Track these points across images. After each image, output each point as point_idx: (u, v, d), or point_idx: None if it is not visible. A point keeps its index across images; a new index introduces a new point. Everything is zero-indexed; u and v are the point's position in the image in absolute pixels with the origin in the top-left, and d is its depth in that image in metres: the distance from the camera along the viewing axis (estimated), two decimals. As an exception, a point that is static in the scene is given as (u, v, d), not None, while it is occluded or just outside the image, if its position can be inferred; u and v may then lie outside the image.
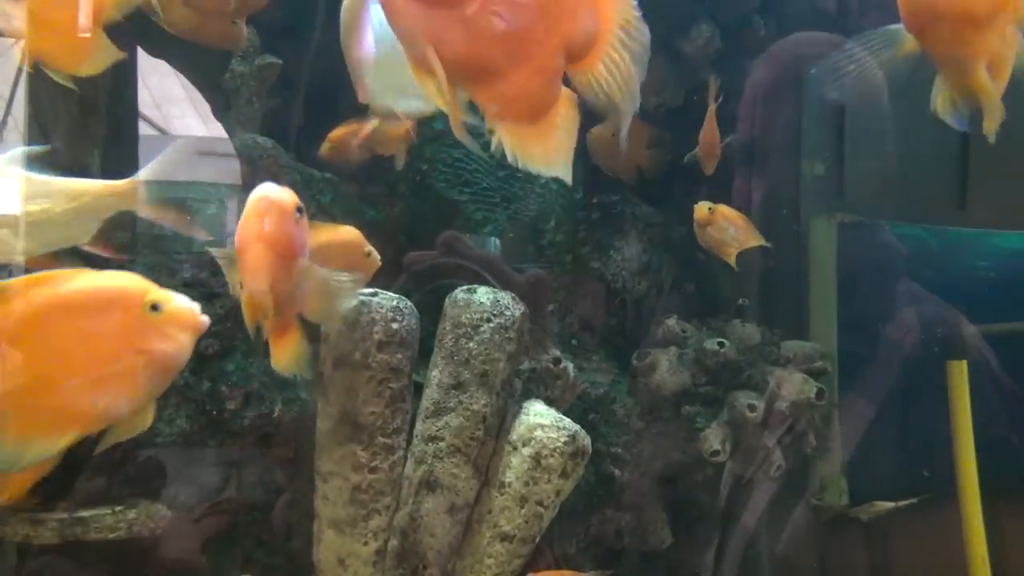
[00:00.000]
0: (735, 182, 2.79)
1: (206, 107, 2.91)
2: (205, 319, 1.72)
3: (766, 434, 2.52)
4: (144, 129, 3.05)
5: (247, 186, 2.70)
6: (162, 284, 2.42)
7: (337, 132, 2.52)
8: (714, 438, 2.52)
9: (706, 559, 2.64)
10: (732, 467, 2.55)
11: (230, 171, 2.83)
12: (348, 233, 2.03)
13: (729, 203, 2.73)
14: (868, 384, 2.80)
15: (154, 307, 1.65)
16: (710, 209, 2.62)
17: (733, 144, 2.77)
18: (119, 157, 2.60)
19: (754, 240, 2.65)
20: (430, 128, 2.76)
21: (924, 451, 2.82)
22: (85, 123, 2.43)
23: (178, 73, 3.02)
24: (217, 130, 2.81)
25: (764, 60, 2.75)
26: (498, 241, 2.79)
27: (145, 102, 3.01)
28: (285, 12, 2.21)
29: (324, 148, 2.54)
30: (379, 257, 2.08)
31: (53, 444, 1.59)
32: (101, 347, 1.59)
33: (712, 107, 2.68)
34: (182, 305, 1.70)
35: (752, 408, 2.52)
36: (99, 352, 1.59)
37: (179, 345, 1.68)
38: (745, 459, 2.54)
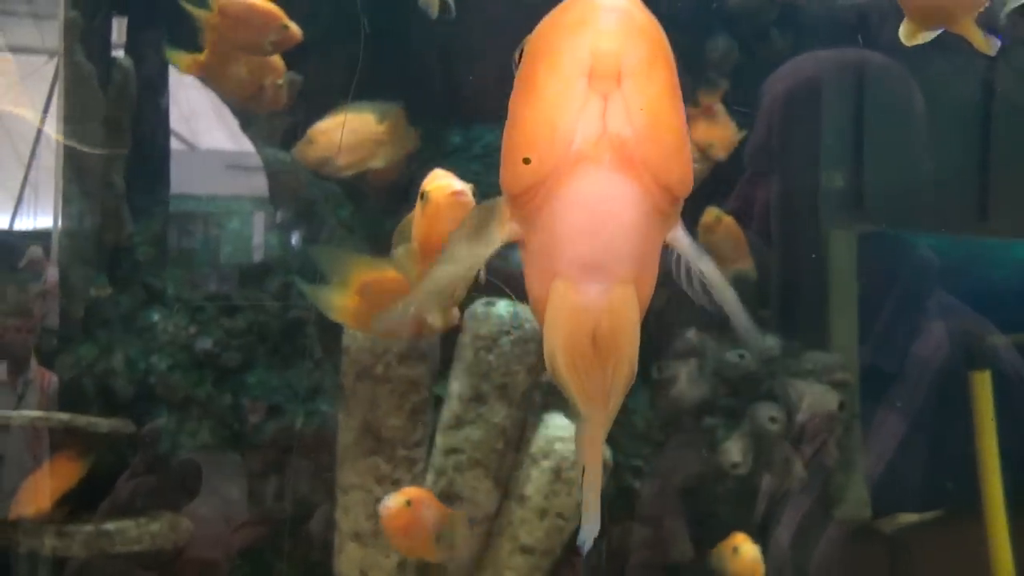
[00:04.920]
0: (752, 191, 2.78)
1: (234, 121, 2.95)
2: None
3: (787, 446, 2.51)
4: (172, 143, 3.09)
5: (271, 199, 2.74)
6: (185, 297, 2.48)
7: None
8: (735, 450, 2.51)
9: None
10: (767, 482, 2.54)
11: (253, 184, 2.87)
12: None
13: (747, 213, 2.73)
14: (901, 397, 2.78)
15: None
16: (717, 218, 2.63)
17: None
18: (144, 171, 2.65)
19: (742, 264, 2.66)
20: (448, 143, 2.77)
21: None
22: (111, 140, 2.47)
23: (205, 87, 3.06)
24: (245, 144, 2.84)
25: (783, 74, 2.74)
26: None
27: (173, 116, 3.05)
28: (305, 29, 2.24)
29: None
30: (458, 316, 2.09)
31: None
32: None
33: None
34: None
35: (773, 420, 2.51)
36: None
37: None
38: (775, 473, 2.53)
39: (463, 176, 2.81)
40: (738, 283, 2.70)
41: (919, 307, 2.86)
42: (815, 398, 2.55)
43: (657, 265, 0.87)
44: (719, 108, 2.70)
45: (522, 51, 0.85)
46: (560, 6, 0.82)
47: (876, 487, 2.72)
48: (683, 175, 0.83)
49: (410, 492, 1.97)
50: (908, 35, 1.48)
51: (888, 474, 2.74)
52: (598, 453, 0.92)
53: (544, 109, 0.79)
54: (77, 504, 2.23)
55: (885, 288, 2.85)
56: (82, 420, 2.23)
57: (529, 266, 0.88)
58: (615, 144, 0.78)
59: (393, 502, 1.93)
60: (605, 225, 0.80)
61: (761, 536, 2.46)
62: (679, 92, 0.82)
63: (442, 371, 2.25)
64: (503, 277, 2.43)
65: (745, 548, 2.22)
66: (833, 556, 2.67)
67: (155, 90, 2.76)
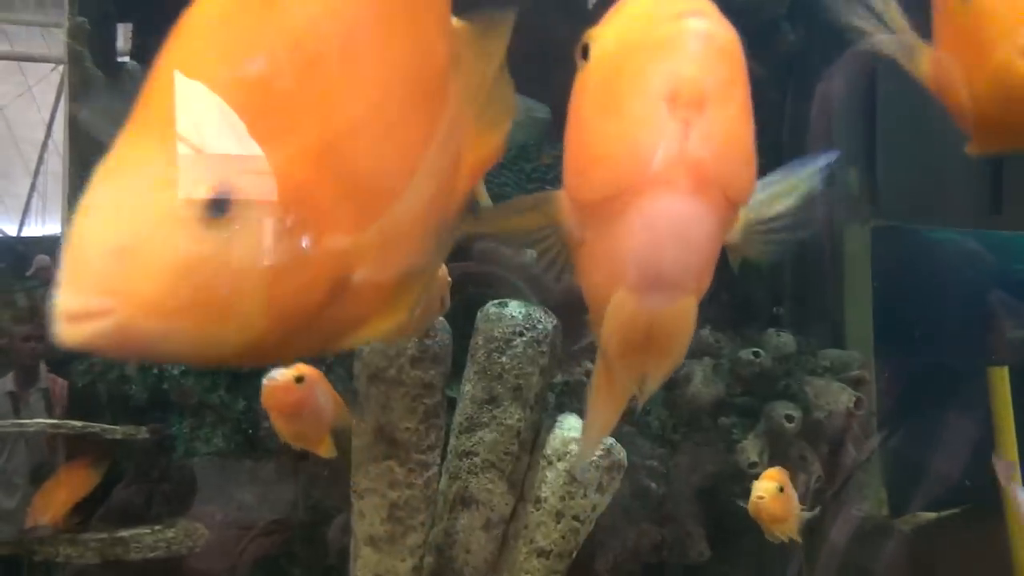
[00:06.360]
0: None
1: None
2: None
3: (804, 445, 2.49)
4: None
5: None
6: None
7: None
8: (751, 450, 2.49)
9: None
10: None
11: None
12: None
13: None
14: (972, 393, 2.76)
15: None
16: None
17: None
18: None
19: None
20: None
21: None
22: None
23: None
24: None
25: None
26: (534, 252, 2.77)
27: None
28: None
29: None
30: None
31: None
32: None
33: None
34: None
35: (790, 419, 2.49)
36: None
37: None
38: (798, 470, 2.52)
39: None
40: (748, 272, 2.69)
41: (983, 302, 2.85)
42: (833, 396, 2.53)
43: (715, 266, 0.89)
44: None
45: (585, 47, 0.86)
46: (641, 10, 0.83)
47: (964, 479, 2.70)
48: (750, 188, 0.86)
49: (304, 369, 1.76)
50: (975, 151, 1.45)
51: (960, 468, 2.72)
52: (618, 409, 1.03)
53: (624, 127, 0.81)
54: (91, 512, 2.23)
55: (942, 284, 2.83)
56: (95, 427, 2.22)
57: (589, 266, 0.93)
58: (692, 165, 0.79)
59: (281, 375, 1.72)
60: (677, 244, 0.83)
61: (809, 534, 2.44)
62: (751, 107, 0.84)
63: (455, 373, 2.24)
64: (520, 275, 2.42)
65: (756, 486, 2.17)
66: (898, 557, 2.65)
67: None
